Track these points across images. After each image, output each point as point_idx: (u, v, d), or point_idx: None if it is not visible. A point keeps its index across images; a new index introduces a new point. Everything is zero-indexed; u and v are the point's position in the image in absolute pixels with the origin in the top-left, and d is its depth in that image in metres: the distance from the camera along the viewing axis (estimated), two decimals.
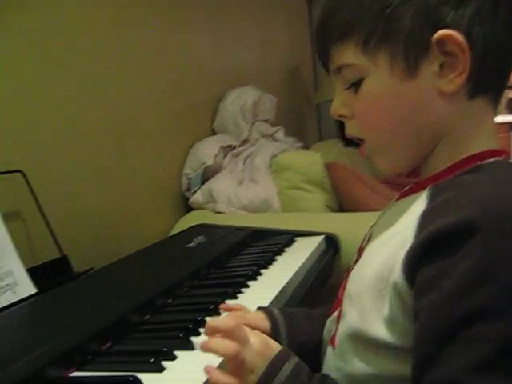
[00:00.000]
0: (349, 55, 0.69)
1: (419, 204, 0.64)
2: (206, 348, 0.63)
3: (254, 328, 0.79)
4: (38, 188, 1.29)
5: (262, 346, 0.66)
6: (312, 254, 1.38)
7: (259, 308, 0.88)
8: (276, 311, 0.85)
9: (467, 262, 0.53)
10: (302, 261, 1.28)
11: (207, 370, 0.62)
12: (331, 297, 0.82)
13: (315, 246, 1.44)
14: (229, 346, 0.62)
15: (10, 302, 1.02)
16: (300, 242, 1.53)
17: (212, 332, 0.64)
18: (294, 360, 0.67)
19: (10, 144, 1.31)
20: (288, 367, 0.65)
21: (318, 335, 0.82)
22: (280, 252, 1.40)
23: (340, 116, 0.73)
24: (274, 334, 0.80)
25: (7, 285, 1.05)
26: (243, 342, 0.63)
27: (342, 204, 2.05)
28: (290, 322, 0.84)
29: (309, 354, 0.80)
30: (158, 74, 2.00)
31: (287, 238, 1.52)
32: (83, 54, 1.59)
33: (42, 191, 1.31)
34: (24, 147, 1.35)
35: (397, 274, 0.60)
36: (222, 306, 0.90)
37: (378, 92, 0.68)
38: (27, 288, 1.08)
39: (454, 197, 0.59)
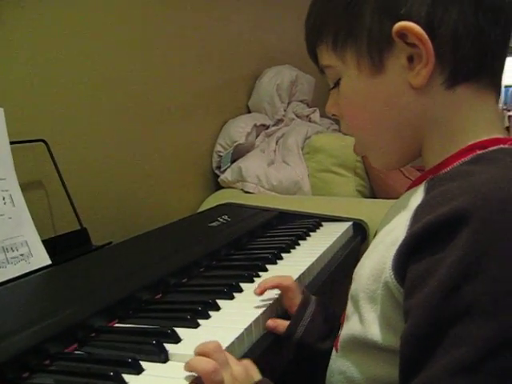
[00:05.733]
0: (324, 57, 0.70)
1: (416, 198, 0.61)
2: (186, 367, 0.64)
3: (284, 287, 0.87)
4: (60, 158, 1.28)
5: (242, 374, 0.64)
6: (338, 239, 1.33)
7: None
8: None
9: (453, 256, 0.49)
10: (326, 246, 1.24)
11: None
12: None
13: (342, 231, 1.39)
14: (207, 362, 0.62)
15: (23, 272, 1.01)
16: (327, 226, 1.49)
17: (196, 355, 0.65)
18: None
19: (34, 113, 1.30)
20: None
21: None
22: (305, 236, 1.36)
23: (333, 115, 0.74)
24: (303, 302, 0.86)
25: (21, 255, 1.03)
26: (221, 363, 0.63)
27: (374, 190, 1.99)
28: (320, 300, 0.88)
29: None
30: (194, 49, 1.97)
31: (313, 222, 1.48)
32: (117, 26, 1.57)
33: (64, 162, 1.29)
34: (47, 116, 1.33)
35: (387, 273, 0.57)
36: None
37: (351, 91, 0.68)
38: (41, 259, 1.07)
39: (448, 189, 0.55)
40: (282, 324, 0.84)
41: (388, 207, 1.47)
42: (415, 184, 0.65)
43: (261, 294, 0.87)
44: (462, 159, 0.60)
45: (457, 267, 0.49)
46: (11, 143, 1.12)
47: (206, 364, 0.61)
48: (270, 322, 0.84)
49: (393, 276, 0.56)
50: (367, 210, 1.60)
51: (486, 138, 0.61)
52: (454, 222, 0.50)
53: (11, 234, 1.04)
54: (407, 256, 0.55)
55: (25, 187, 1.13)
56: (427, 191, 0.60)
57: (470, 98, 0.62)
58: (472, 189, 0.52)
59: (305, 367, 0.87)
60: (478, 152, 0.59)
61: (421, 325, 0.50)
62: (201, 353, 0.64)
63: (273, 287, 0.88)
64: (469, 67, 0.60)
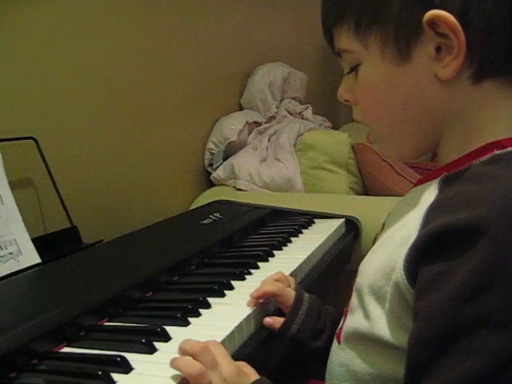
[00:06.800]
0: (343, 40, 0.66)
1: (429, 194, 0.60)
2: (172, 366, 0.62)
3: (270, 295, 0.85)
4: (50, 156, 1.27)
5: (233, 375, 0.63)
6: (330, 237, 1.33)
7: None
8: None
9: (470, 264, 0.48)
10: (318, 243, 1.23)
11: None
12: (349, 283, 0.77)
13: (334, 228, 1.38)
14: (193, 366, 0.60)
15: (12, 270, 1.00)
16: (319, 224, 1.49)
17: (182, 353, 0.64)
18: None
19: (23, 110, 1.28)
20: None
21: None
22: (297, 233, 1.36)
23: (345, 101, 0.71)
24: (297, 300, 0.85)
25: (10, 253, 1.02)
26: (209, 365, 0.61)
27: (367, 187, 1.99)
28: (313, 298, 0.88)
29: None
30: (186, 46, 1.96)
31: (306, 220, 1.47)
32: (108, 25, 1.56)
33: (54, 159, 1.28)
34: (37, 114, 1.32)
35: (398, 273, 0.56)
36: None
37: (372, 79, 0.65)
38: (31, 257, 1.06)
39: (465, 192, 0.54)
40: (278, 321, 0.84)
41: (380, 204, 1.47)
42: (427, 179, 0.64)
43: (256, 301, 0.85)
44: (480, 158, 0.58)
45: (473, 276, 0.48)
46: (0, 141, 1.11)
47: (192, 367, 0.60)
48: (268, 319, 0.84)
49: (404, 277, 0.55)
50: (360, 206, 1.60)
51: (505, 137, 0.59)
52: (472, 231, 0.49)
53: (0, 233, 1.03)
54: (419, 257, 0.54)
55: (14, 185, 1.12)
56: (441, 189, 0.59)
57: (494, 94, 0.60)
58: (489, 197, 0.51)
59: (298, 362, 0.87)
60: (496, 152, 0.58)
61: (431, 330, 0.50)
62: (187, 353, 0.63)
63: (260, 297, 0.86)
64: (498, 62, 0.58)
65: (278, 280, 0.89)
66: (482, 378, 0.46)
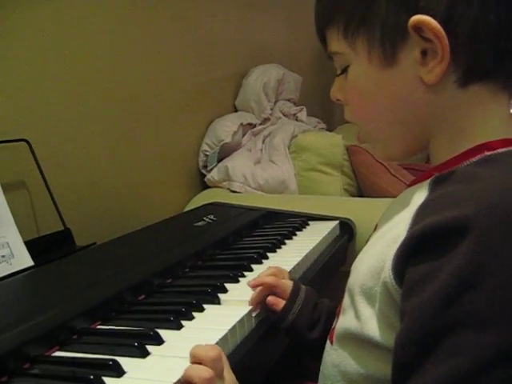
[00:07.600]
0: (334, 42, 0.67)
1: (419, 195, 0.60)
2: (185, 376, 0.62)
3: (267, 285, 0.87)
4: (43, 158, 1.26)
5: None
6: (324, 238, 1.32)
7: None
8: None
9: (454, 264, 0.48)
10: (313, 245, 1.23)
11: None
12: (344, 285, 0.77)
13: (328, 230, 1.38)
14: (205, 370, 0.61)
15: (5, 273, 0.99)
16: (313, 225, 1.48)
17: (194, 360, 0.63)
18: None
19: (16, 112, 1.27)
20: None
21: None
22: (291, 235, 1.35)
23: (337, 100, 0.72)
24: (294, 291, 0.87)
25: (3, 256, 1.02)
26: (218, 374, 0.62)
27: (361, 189, 1.99)
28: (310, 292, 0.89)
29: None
30: (181, 47, 1.96)
31: (300, 222, 1.47)
32: (100, 27, 1.55)
33: (47, 161, 1.28)
34: (30, 116, 1.31)
35: (387, 273, 0.56)
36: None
37: (360, 81, 0.66)
38: (24, 260, 1.05)
39: (453, 192, 0.54)
40: (281, 303, 0.86)
41: (375, 206, 1.48)
42: (419, 180, 0.64)
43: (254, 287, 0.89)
44: (470, 160, 0.58)
45: (457, 275, 0.48)
46: None
47: (204, 371, 0.60)
48: (271, 298, 0.86)
49: (392, 277, 0.55)
50: (354, 208, 1.59)
51: (495, 139, 0.59)
52: (457, 230, 0.49)
53: None
54: (407, 257, 0.54)
55: (6, 187, 1.12)
56: (431, 190, 0.59)
57: (483, 98, 0.60)
58: (477, 196, 0.51)
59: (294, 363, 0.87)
60: (486, 153, 0.58)
61: (416, 330, 0.50)
62: (200, 358, 0.63)
63: (257, 286, 0.88)
64: (484, 67, 0.58)
65: (273, 274, 0.91)
66: (466, 376, 0.46)
